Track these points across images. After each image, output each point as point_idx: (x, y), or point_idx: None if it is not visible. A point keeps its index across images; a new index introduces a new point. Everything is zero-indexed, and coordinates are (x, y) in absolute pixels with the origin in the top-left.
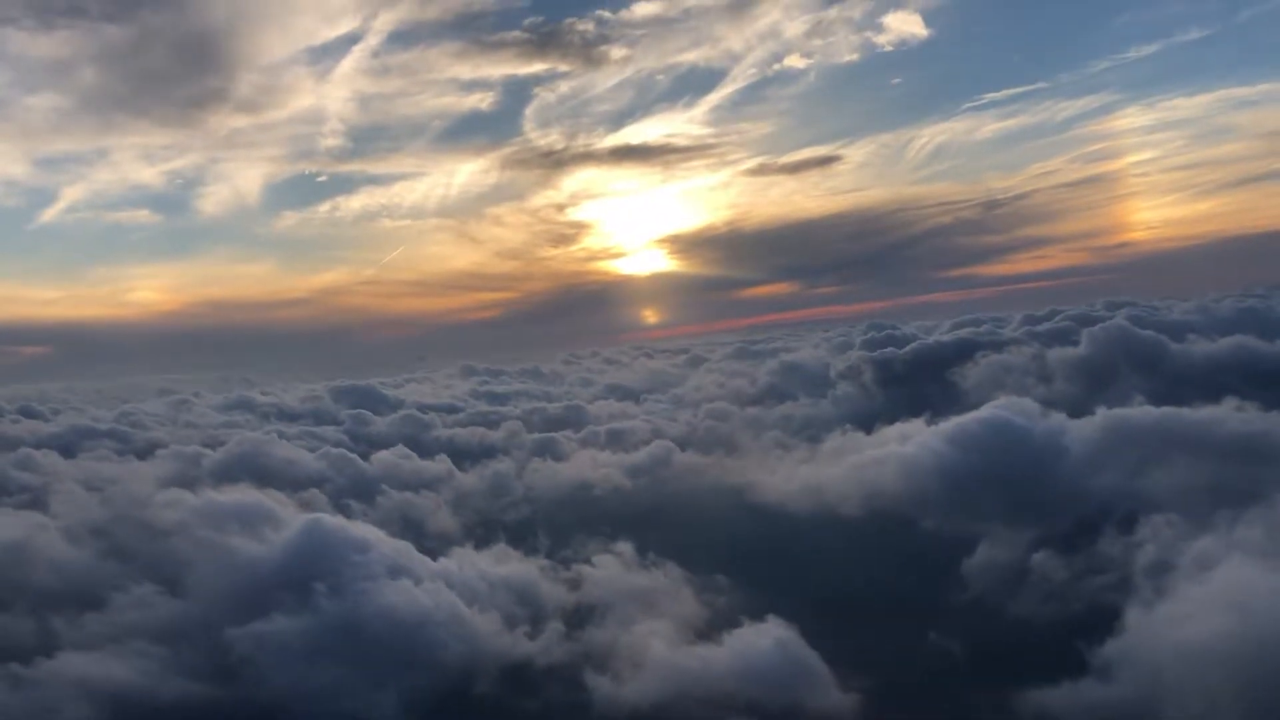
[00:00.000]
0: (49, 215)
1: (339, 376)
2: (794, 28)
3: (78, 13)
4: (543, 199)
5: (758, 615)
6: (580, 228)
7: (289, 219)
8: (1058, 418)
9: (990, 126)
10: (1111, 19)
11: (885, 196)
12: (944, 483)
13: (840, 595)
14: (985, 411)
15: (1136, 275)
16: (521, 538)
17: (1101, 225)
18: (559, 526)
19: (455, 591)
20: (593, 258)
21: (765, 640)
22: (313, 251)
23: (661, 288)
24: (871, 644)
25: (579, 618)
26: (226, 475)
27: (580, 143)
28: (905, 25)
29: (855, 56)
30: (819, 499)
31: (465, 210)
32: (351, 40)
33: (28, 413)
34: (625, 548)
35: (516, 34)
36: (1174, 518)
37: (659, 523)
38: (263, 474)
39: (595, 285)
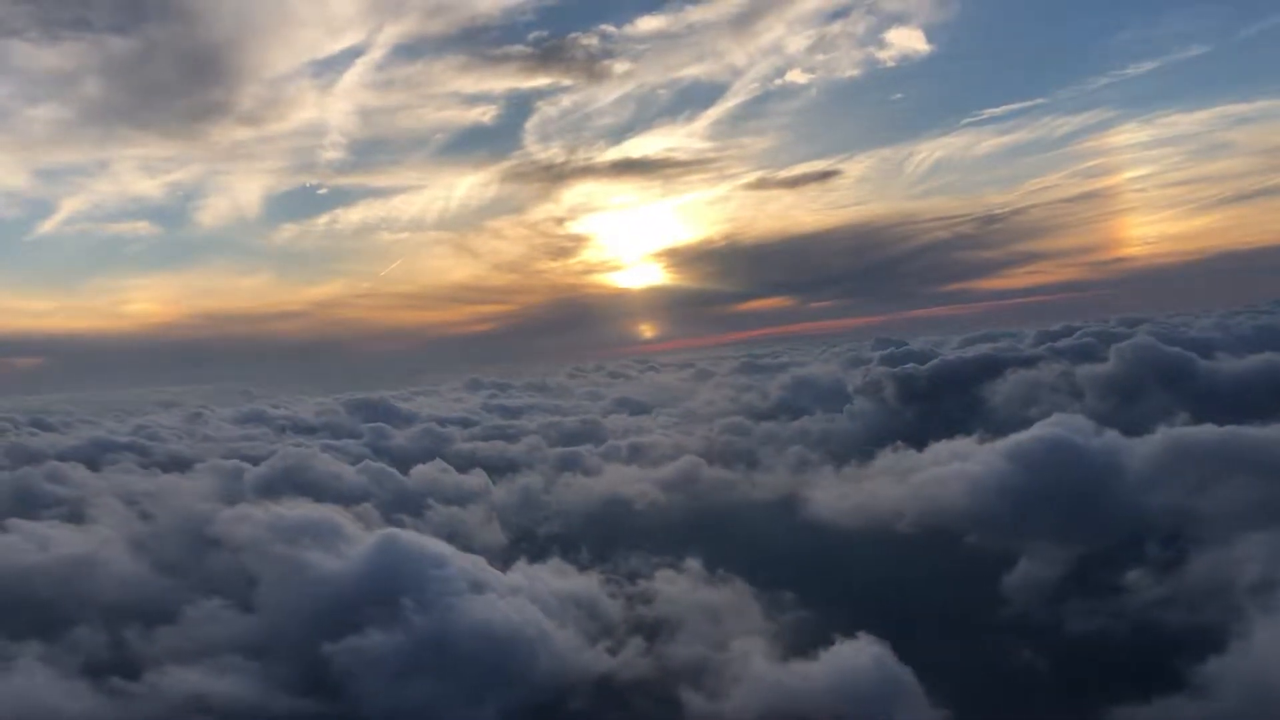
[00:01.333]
0: (47, 226)
1: (340, 390)
2: (797, 43)
3: (83, 25)
4: (542, 212)
5: (832, 632)
6: (578, 241)
7: (288, 231)
8: (1111, 435)
9: (989, 142)
10: (1111, 36)
11: (883, 211)
12: (1006, 500)
13: (912, 612)
14: (1042, 429)
15: (1131, 290)
16: (569, 552)
17: (1097, 240)
18: (603, 541)
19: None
20: (590, 271)
21: (861, 657)
22: (310, 264)
23: (658, 301)
24: (953, 661)
25: (656, 633)
26: (270, 489)
27: (580, 156)
28: (908, 41)
29: (857, 72)
30: (875, 515)
31: (464, 223)
32: (355, 54)
33: (40, 425)
34: (691, 563)
35: (520, 48)
36: (1267, 535)
37: (706, 538)
38: (307, 488)
39: (592, 298)
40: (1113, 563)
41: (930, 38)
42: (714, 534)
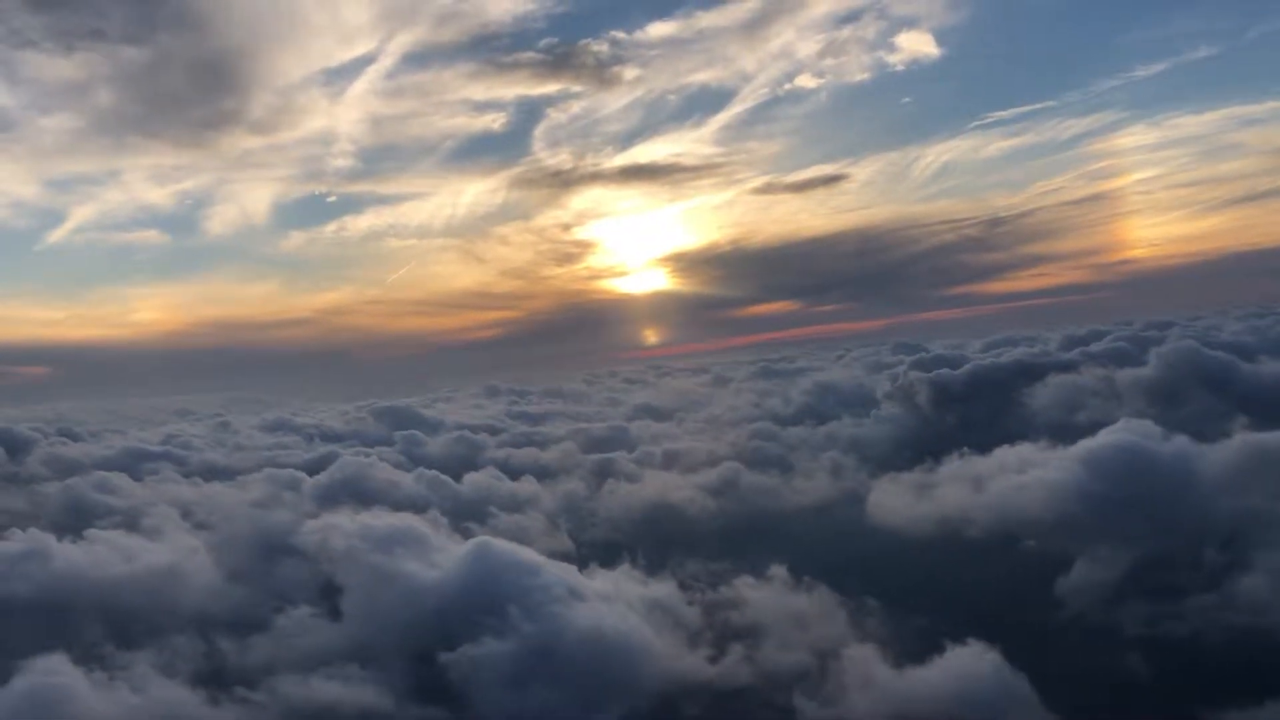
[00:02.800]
0: (56, 236)
1: (353, 397)
2: (807, 48)
3: (98, 36)
4: (549, 218)
5: (928, 638)
6: (585, 246)
7: (296, 239)
8: (1181, 440)
9: (996, 145)
10: (1119, 38)
11: (890, 215)
12: (1086, 506)
13: (1005, 617)
14: (1113, 435)
15: (1137, 292)
16: (628, 559)
17: (1103, 242)
18: (660, 547)
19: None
20: (596, 276)
21: (975, 663)
22: (318, 271)
23: (664, 306)
24: (1052, 667)
25: (748, 639)
26: (330, 498)
27: (589, 162)
28: (917, 45)
29: (866, 76)
30: (945, 521)
31: (471, 229)
32: (366, 61)
33: (68, 434)
34: (757, 569)
35: (531, 55)
36: None
37: (765, 544)
38: (366, 496)
39: (598, 304)
40: (1201, 569)
41: (940, 41)
42: (773, 540)
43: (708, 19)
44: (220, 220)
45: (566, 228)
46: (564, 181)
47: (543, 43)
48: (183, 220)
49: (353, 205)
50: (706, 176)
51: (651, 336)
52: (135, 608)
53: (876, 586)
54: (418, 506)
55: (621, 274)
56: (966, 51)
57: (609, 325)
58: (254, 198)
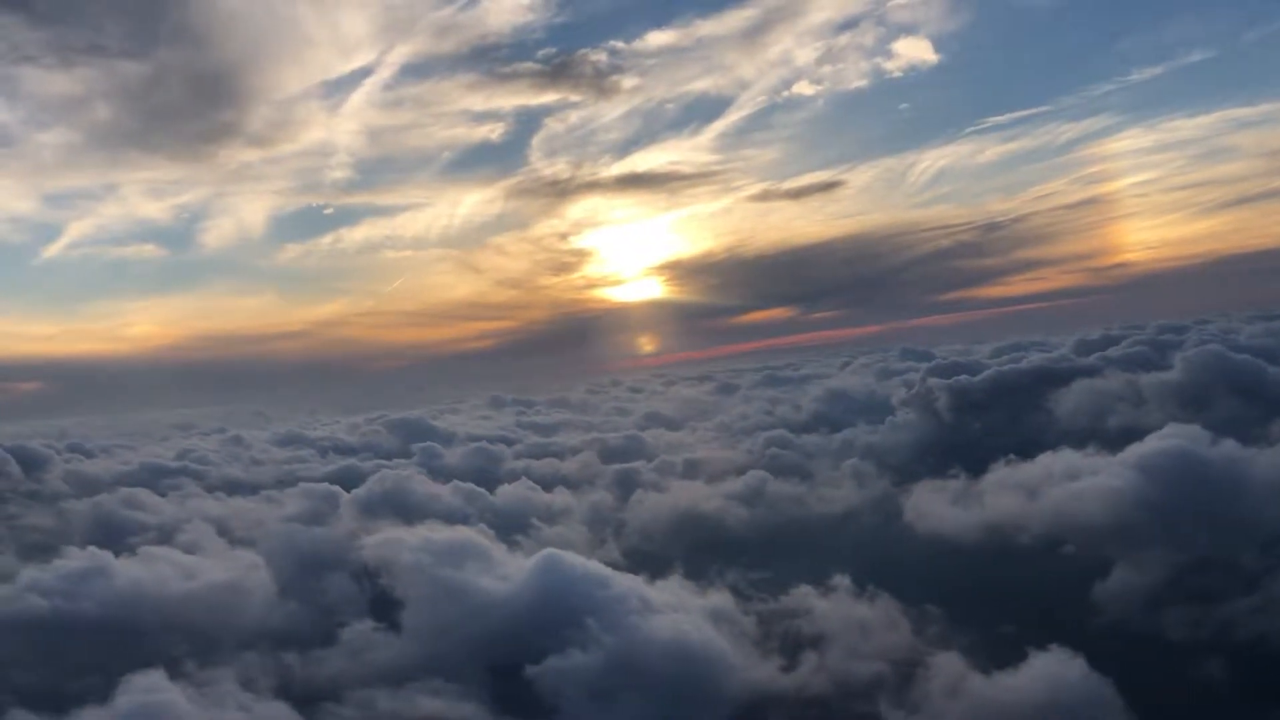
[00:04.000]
0: (52, 251)
1: (352, 410)
2: (805, 55)
3: (97, 50)
4: (546, 228)
5: (995, 645)
6: (581, 255)
7: (291, 251)
8: (1229, 445)
9: (992, 150)
10: (1116, 42)
11: (885, 221)
12: (1143, 512)
13: (1074, 623)
14: (1166, 441)
15: (1132, 296)
16: (669, 569)
17: (1099, 246)
18: (699, 557)
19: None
20: (592, 285)
21: (1060, 669)
22: (314, 283)
23: (659, 315)
24: (1133, 673)
25: (820, 647)
26: (372, 511)
27: (586, 171)
28: (915, 51)
29: (864, 82)
30: (996, 528)
31: (468, 240)
32: (365, 73)
33: (77, 450)
34: (839, 580)
35: (530, 65)
36: None
37: (807, 552)
38: (406, 510)
39: (593, 313)
40: (1271, 572)
41: (938, 48)
42: (813, 548)
43: (706, 27)
44: (216, 234)
45: (563, 237)
46: (561, 191)
47: (541, 53)
48: (179, 234)
49: (349, 217)
50: (703, 184)
51: (646, 345)
52: (200, 624)
53: (936, 594)
54: (456, 519)
55: (617, 283)
56: (964, 58)
57: (603, 334)
58: (250, 210)
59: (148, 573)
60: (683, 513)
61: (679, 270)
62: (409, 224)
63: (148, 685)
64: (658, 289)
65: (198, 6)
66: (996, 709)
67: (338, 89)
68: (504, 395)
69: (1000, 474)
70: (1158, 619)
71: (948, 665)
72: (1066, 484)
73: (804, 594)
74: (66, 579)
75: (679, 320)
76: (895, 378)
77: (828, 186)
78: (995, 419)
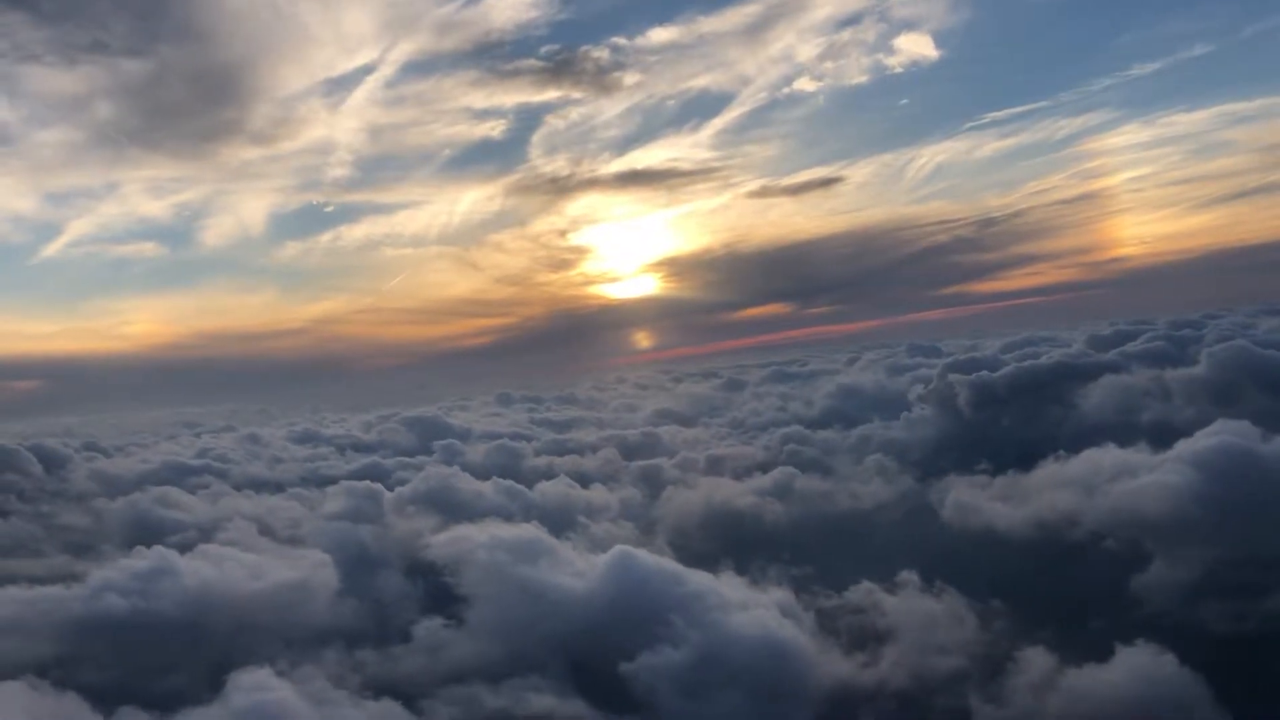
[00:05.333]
0: (52, 249)
1: (357, 407)
2: (807, 51)
3: (100, 48)
4: (545, 224)
5: (1076, 640)
6: (580, 252)
7: (291, 249)
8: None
9: (990, 145)
10: (1115, 37)
11: (883, 216)
12: (1200, 508)
13: (1145, 619)
14: (1218, 437)
15: (1127, 290)
16: (728, 565)
17: (1095, 241)
18: (740, 553)
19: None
20: (590, 282)
21: (1147, 664)
22: (313, 281)
23: (657, 311)
24: (1215, 670)
25: (892, 642)
26: (416, 508)
27: (585, 168)
28: (916, 47)
29: (865, 78)
30: (1046, 524)
31: (467, 237)
32: (367, 71)
33: (93, 448)
34: (906, 576)
35: (532, 62)
36: None
37: (849, 548)
38: (451, 507)
39: (591, 310)
40: None
41: (939, 43)
42: (854, 544)
43: (709, 24)
44: (216, 231)
45: (562, 234)
46: (561, 188)
47: (544, 49)
48: (179, 232)
49: (350, 215)
50: (702, 181)
51: (644, 341)
52: (273, 622)
53: (999, 589)
54: (501, 516)
55: (615, 279)
56: (965, 53)
57: (601, 331)
58: (251, 208)
59: (216, 572)
60: (717, 509)
61: (677, 266)
62: (409, 221)
63: (257, 683)
64: (655, 285)
65: (201, 4)
66: (1092, 704)
67: (339, 86)
68: (512, 392)
69: (1049, 470)
70: (1233, 615)
71: (1035, 660)
72: (1123, 480)
73: (866, 590)
74: (137, 578)
75: (676, 316)
76: (906, 374)
77: (826, 183)
78: (1019, 415)
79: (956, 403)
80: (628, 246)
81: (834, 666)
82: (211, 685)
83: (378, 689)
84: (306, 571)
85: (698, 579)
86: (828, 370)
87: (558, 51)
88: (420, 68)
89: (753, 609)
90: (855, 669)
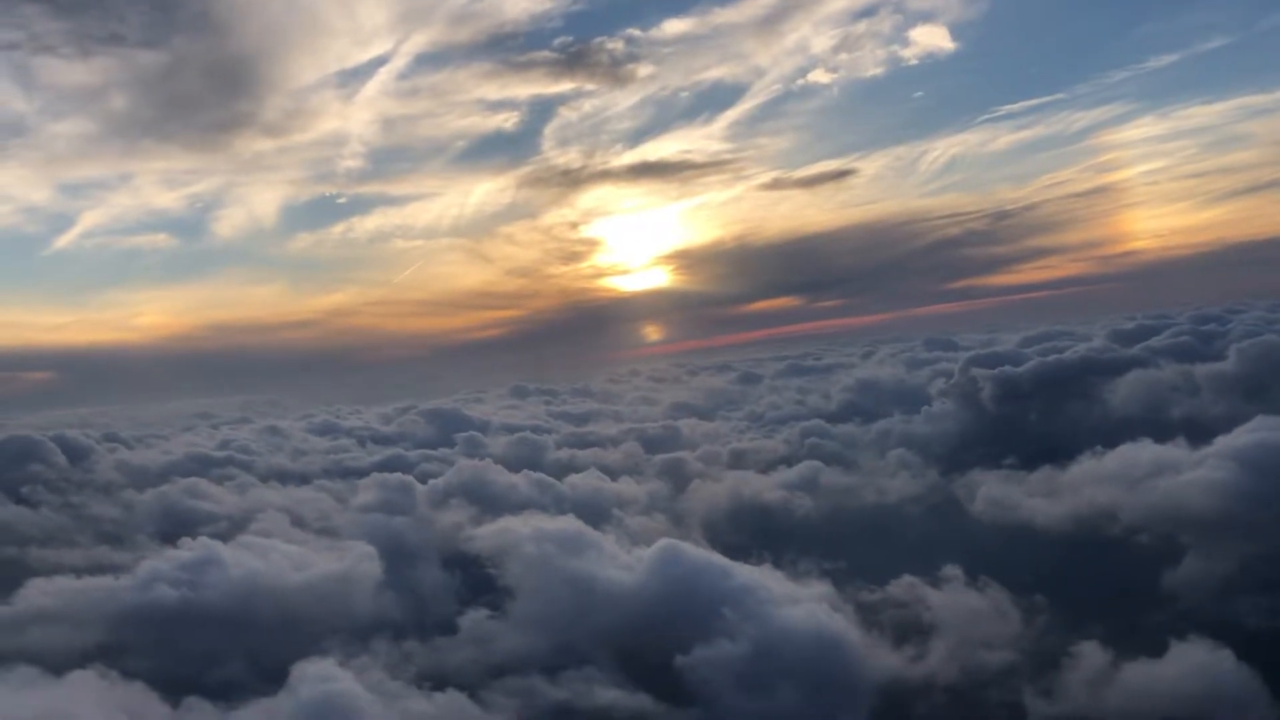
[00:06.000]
0: (64, 241)
1: (370, 399)
2: (822, 42)
3: (116, 40)
4: (556, 216)
5: (1124, 635)
6: (591, 245)
7: (303, 240)
8: None
9: (1005, 138)
10: (1133, 29)
11: (895, 209)
12: (1244, 504)
13: (1194, 615)
14: (1261, 433)
15: (1140, 283)
16: (765, 558)
17: (1108, 234)
18: (772, 546)
19: None
20: (600, 274)
21: (1201, 659)
22: (324, 272)
23: (666, 303)
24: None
25: (939, 636)
26: (451, 501)
27: (598, 161)
28: (932, 39)
29: (880, 70)
30: (1085, 519)
31: (478, 229)
32: (380, 62)
33: (113, 439)
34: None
35: (546, 54)
36: None
37: (880, 542)
38: (486, 500)
39: (601, 302)
40: None
41: (955, 35)
42: (886, 538)
43: (724, 15)
44: (229, 223)
45: (574, 226)
46: (573, 180)
47: (558, 41)
48: (192, 223)
49: (361, 206)
50: (715, 173)
51: (653, 334)
52: (319, 613)
53: (1042, 584)
54: (535, 509)
55: (625, 272)
56: (981, 45)
57: (611, 323)
58: (263, 200)
59: (262, 563)
60: (745, 503)
61: (687, 259)
62: (420, 213)
63: (322, 674)
64: (666, 278)
65: None
66: (1149, 699)
67: (353, 78)
68: (526, 384)
69: (1085, 465)
70: (1269, 611)
71: (1088, 655)
72: (1164, 476)
73: (907, 584)
74: (185, 569)
75: (686, 309)
76: (925, 367)
77: (839, 175)
78: (1045, 410)
79: (980, 397)
80: (639, 239)
81: (883, 660)
82: (263, 675)
83: (431, 680)
84: (351, 563)
85: (744, 572)
86: (843, 364)
87: (572, 43)
88: (434, 59)
89: (802, 603)
90: (904, 663)
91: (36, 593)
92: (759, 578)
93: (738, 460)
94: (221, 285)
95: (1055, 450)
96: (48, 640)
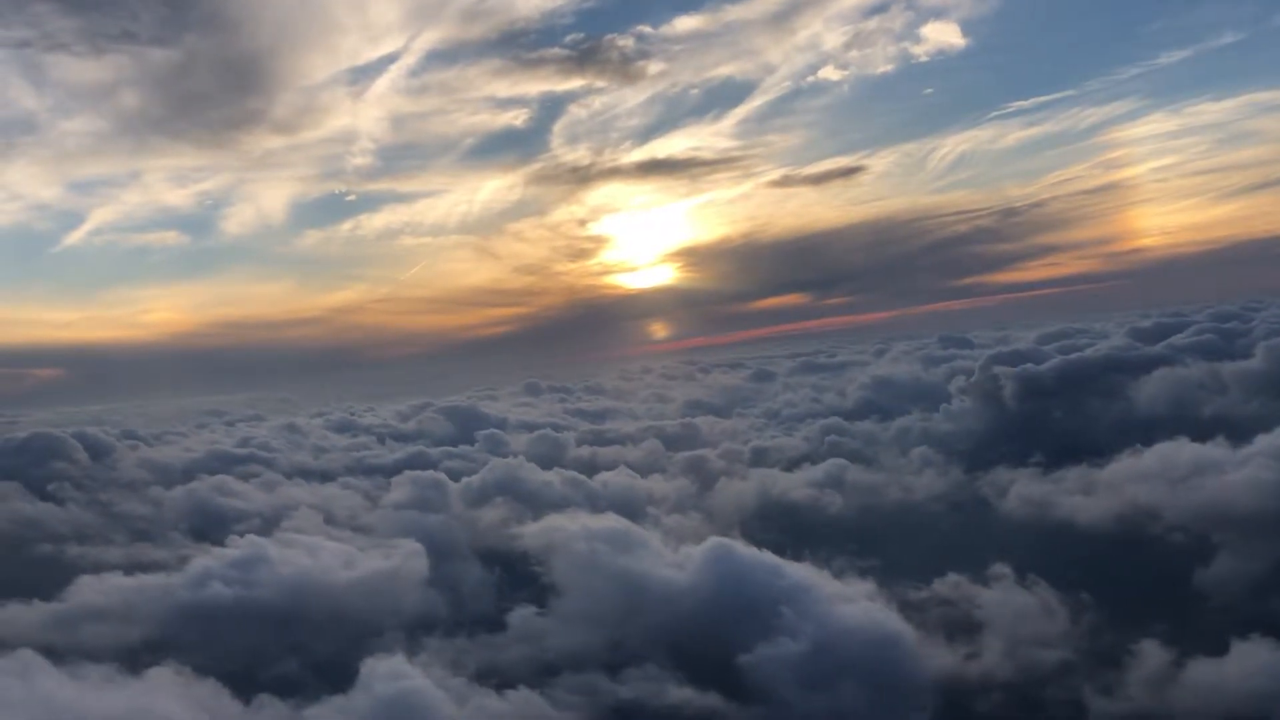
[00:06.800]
0: (74, 238)
1: (379, 397)
2: (833, 39)
3: (128, 37)
4: (564, 214)
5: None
6: (599, 242)
7: (311, 237)
8: None
9: (1014, 135)
10: (1143, 26)
11: (904, 206)
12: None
13: (1248, 614)
14: None
15: (1148, 281)
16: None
17: (1116, 231)
18: (805, 544)
19: None
20: (608, 271)
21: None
22: (332, 269)
23: (674, 300)
24: None
25: (992, 634)
26: (486, 499)
27: (607, 157)
28: (943, 35)
29: (891, 67)
30: (1127, 517)
31: (487, 226)
32: (391, 59)
33: (132, 436)
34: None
35: (557, 51)
36: None
37: (914, 540)
38: (521, 498)
39: (608, 299)
40: None
41: (966, 31)
42: (919, 535)
43: (735, 11)
44: (238, 220)
45: (582, 223)
46: (581, 177)
47: (569, 38)
48: (201, 221)
49: (370, 203)
50: (723, 170)
51: (660, 331)
52: (369, 610)
53: (1084, 582)
54: (569, 507)
55: (632, 269)
56: (992, 42)
57: (618, 320)
58: (272, 197)
59: (311, 560)
60: (774, 501)
61: (695, 256)
62: (429, 210)
63: (393, 671)
64: (673, 275)
65: None
66: (1212, 699)
67: (364, 75)
68: (539, 381)
69: (1125, 464)
70: None
71: (1149, 653)
72: (1208, 475)
73: (953, 582)
74: (235, 566)
75: (692, 306)
76: (941, 365)
77: (848, 172)
78: (1069, 408)
79: (1001, 395)
80: (646, 236)
81: (938, 658)
82: (319, 672)
83: (488, 677)
84: (399, 560)
85: (796, 571)
86: (856, 361)
87: (582, 40)
88: (444, 56)
89: (857, 601)
90: (959, 661)
91: (88, 590)
92: (813, 577)
93: (759, 458)
94: (230, 282)
95: (1082, 449)
96: (101, 637)
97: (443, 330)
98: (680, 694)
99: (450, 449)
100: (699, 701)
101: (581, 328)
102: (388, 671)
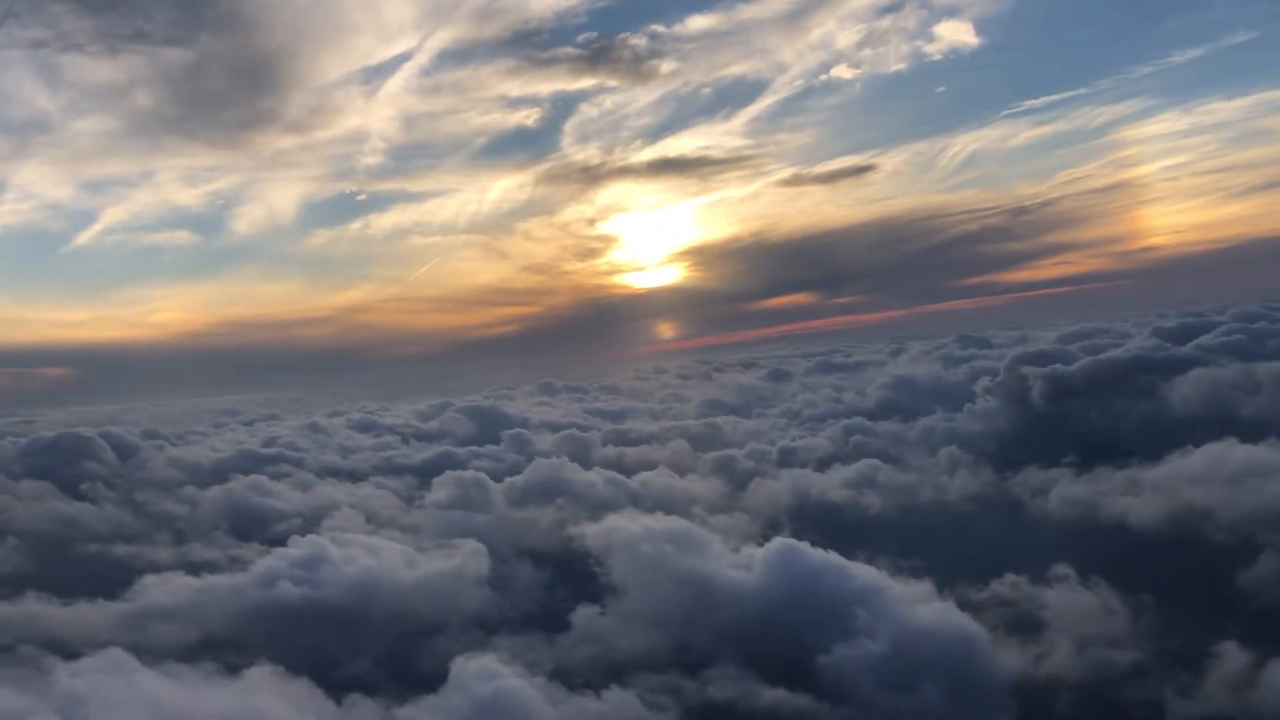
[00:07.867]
0: (85, 238)
1: (392, 395)
2: (846, 38)
3: (143, 38)
4: (574, 213)
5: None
6: (608, 241)
7: (321, 237)
8: None
9: (1026, 134)
10: (1156, 24)
11: (914, 205)
12: None
13: None
14: None
15: (1157, 280)
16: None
17: (1126, 230)
18: (854, 544)
19: None
20: (617, 270)
21: None
22: (341, 269)
23: (682, 300)
24: None
25: (1057, 635)
26: (527, 499)
27: (617, 157)
28: (956, 34)
29: (903, 66)
30: (1180, 519)
31: (496, 225)
32: (403, 59)
33: (154, 436)
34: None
35: (569, 50)
36: None
37: (956, 540)
38: (566, 498)
39: (617, 299)
40: None
41: (980, 30)
42: (963, 537)
43: (749, 11)
44: (248, 220)
45: (591, 222)
46: (592, 177)
47: (581, 37)
48: (212, 220)
49: (380, 203)
50: (734, 169)
51: (668, 330)
52: (435, 610)
53: (1143, 583)
54: (613, 507)
55: (642, 268)
56: (1005, 40)
57: (626, 320)
58: (283, 197)
59: (374, 560)
60: (811, 501)
61: (704, 255)
62: (438, 210)
63: (484, 671)
64: (682, 274)
65: None
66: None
67: (376, 75)
68: (555, 381)
69: (1174, 464)
70: None
71: (1229, 654)
72: (1269, 477)
73: (1011, 582)
74: (299, 566)
75: (701, 305)
76: (962, 365)
77: (858, 171)
78: (1099, 408)
79: (1029, 395)
80: (656, 235)
81: (1009, 659)
82: (391, 672)
83: (563, 677)
84: (461, 560)
85: (863, 572)
86: (873, 361)
87: (595, 39)
88: (457, 56)
89: (930, 602)
90: (1030, 661)
91: (154, 590)
92: (881, 578)
93: (788, 458)
94: (239, 282)
95: (1116, 449)
96: (172, 636)
97: (452, 329)
98: (773, 695)
99: (476, 449)
100: (791, 703)
101: (590, 327)
102: (479, 671)
